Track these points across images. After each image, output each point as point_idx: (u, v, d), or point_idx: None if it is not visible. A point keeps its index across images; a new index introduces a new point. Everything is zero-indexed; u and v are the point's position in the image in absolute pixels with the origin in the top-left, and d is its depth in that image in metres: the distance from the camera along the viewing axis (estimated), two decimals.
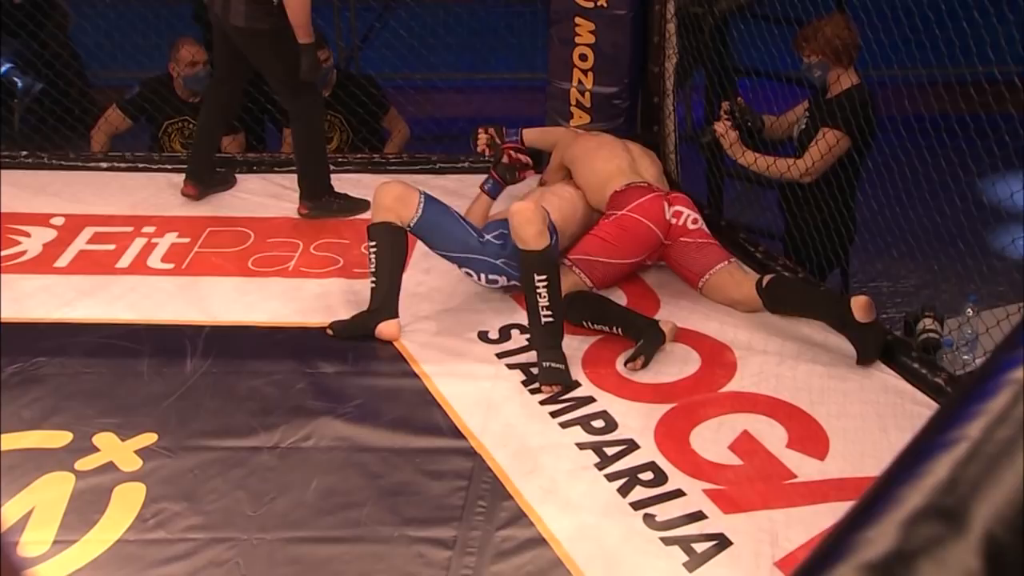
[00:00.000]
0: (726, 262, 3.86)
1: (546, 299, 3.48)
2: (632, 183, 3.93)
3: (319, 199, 4.49)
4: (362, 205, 4.35)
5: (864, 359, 3.46)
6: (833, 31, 3.87)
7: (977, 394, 0.71)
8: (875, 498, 0.69)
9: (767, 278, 3.70)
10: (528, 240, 3.50)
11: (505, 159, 3.98)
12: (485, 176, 4.09)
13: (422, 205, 3.67)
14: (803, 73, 4.05)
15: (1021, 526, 0.65)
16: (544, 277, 3.49)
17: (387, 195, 3.69)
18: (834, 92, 3.96)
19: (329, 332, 3.72)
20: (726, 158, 4.26)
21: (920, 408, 3.32)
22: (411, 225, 3.68)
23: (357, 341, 3.68)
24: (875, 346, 3.47)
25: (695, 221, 3.88)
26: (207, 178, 4.69)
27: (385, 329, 3.67)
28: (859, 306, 3.43)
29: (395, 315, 3.69)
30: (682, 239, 3.85)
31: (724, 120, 4.11)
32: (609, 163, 4.03)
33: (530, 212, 3.55)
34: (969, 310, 3.55)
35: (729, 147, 4.10)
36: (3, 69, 5.34)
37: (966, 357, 3.47)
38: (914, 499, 0.67)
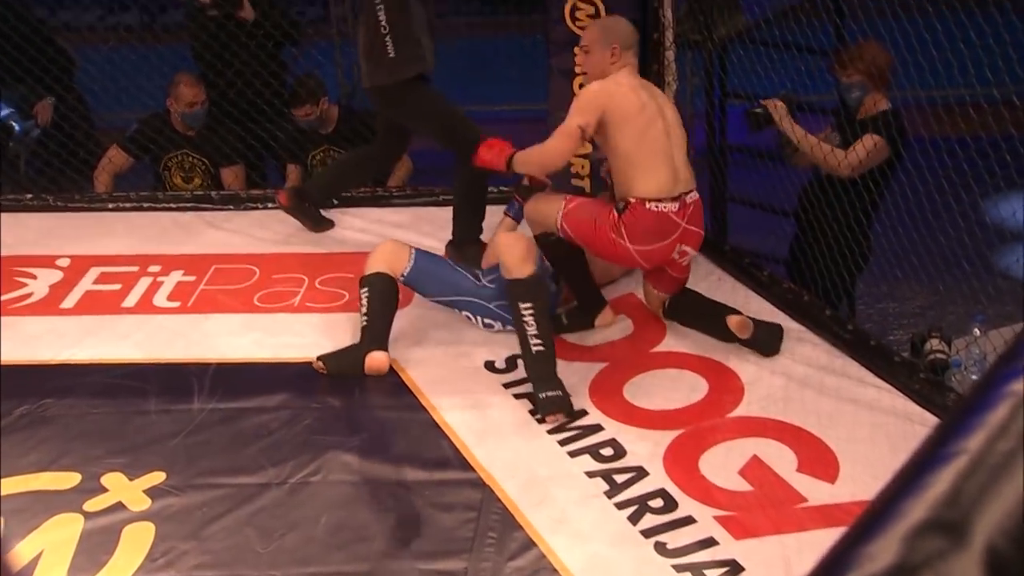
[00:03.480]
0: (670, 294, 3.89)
1: (534, 327, 3.49)
2: (659, 206, 3.55)
3: (461, 248, 4.35)
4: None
5: (767, 354, 3.70)
6: (874, 53, 3.95)
7: (977, 407, 0.71)
8: (877, 512, 0.69)
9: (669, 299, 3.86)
10: (511, 267, 3.54)
11: (525, 180, 3.98)
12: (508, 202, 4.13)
13: (413, 257, 3.80)
14: (840, 92, 4.09)
15: (1023, 538, 0.65)
16: (529, 305, 3.50)
17: (380, 252, 3.84)
18: (867, 113, 4.02)
19: (318, 365, 3.73)
20: (729, 183, 4.27)
21: (929, 429, 3.30)
22: (403, 275, 3.78)
23: (356, 374, 3.68)
24: (769, 347, 3.71)
25: (689, 260, 3.82)
26: (312, 200, 4.63)
27: (374, 361, 3.67)
28: (736, 326, 3.68)
29: (384, 347, 3.71)
30: (666, 269, 3.79)
31: (773, 100, 4.10)
32: (652, 174, 3.57)
33: (511, 239, 3.65)
34: (976, 330, 3.55)
35: (780, 120, 4.06)
36: (2, 114, 5.39)
37: (975, 377, 3.46)
38: (916, 513, 0.67)
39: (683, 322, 3.86)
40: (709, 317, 3.78)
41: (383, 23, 4.09)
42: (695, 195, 3.67)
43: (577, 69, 3.85)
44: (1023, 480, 0.66)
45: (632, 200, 3.55)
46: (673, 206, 3.55)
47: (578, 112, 3.55)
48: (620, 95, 3.56)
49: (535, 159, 3.68)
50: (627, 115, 3.55)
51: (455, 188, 4.46)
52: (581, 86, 3.93)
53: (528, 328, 3.49)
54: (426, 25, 4.20)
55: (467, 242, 4.35)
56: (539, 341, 3.49)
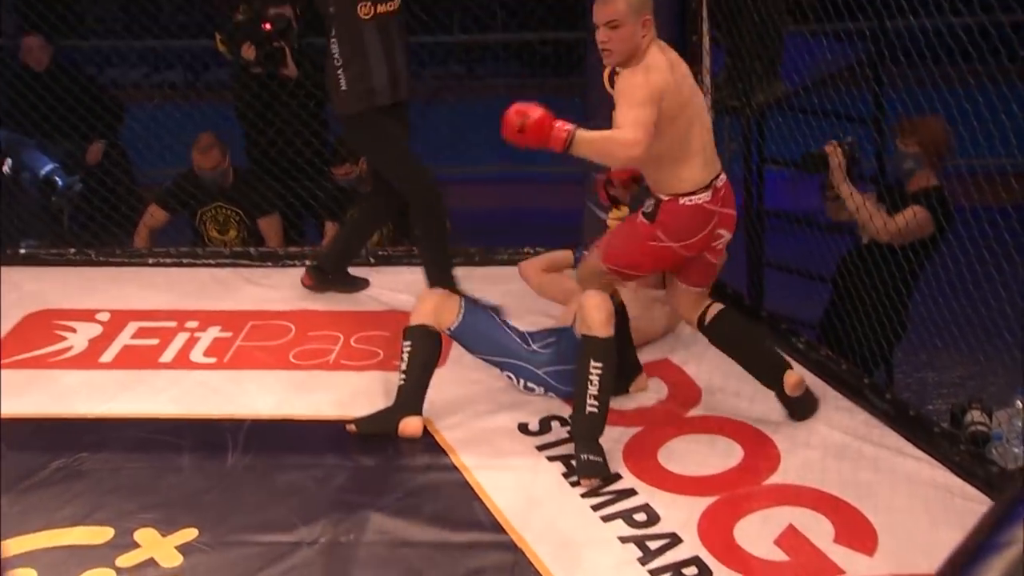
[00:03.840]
0: (704, 288, 3.71)
1: (596, 388, 3.47)
2: (693, 199, 3.43)
3: None
4: None
5: (798, 419, 3.67)
6: (937, 130, 3.94)
7: None
8: None
9: (715, 310, 3.68)
10: (594, 326, 3.51)
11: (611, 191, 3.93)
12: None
13: (462, 312, 3.75)
14: (894, 161, 4.08)
15: None
16: (600, 365, 3.48)
17: (428, 302, 3.77)
18: (917, 186, 4.00)
19: (351, 428, 3.73)
20: (764, 248, 4.26)
21: (970, 503, 3.26)
22: (450, 329, 3.75)
23: (390, 436, 3.68)
24: (806, 413, 3.68)
25: (724, 244, 3.64)
26: (332, 273, 4.65)
27: (408, 426, 3.68)
28: (791, 384, 3.62)
29: (419, 412, 3.71)
30: (704, 255, 3.59)
31: (835, 145, 4.07)
32: (687, 168, 3.42)
33: (601, 299, 3.55)
34: (1019, 402, 3.51)
35: (835, 167, 4.03)
36: (46, 169, 5.50)
37: (1017, 450, 3.42)
38: None
39: (724, 346, 3.72)
40: (761, 357, 3.70)
41: (336, 56, 4.10)
42: (723, 176, 3.53)
43: (603, 47, 3.30)
44: None
45: (664, 198, 3.44)
46: (707, 195, 3.44)
47: (648, 102, 3.20)
48: (675, 83, 3.30)
49: (604, 147, 3.22)
50: (682, 106, 3.34)
51: (417, 238, 4.47)
52: (614, 72, 3.40)
53: (590, 387, 3.47)
54: (395, 53, 4.14)
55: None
56: (596, 403, 3.47)
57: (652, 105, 3.20)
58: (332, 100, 4.23)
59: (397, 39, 4.13)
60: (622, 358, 3.72)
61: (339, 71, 4.10)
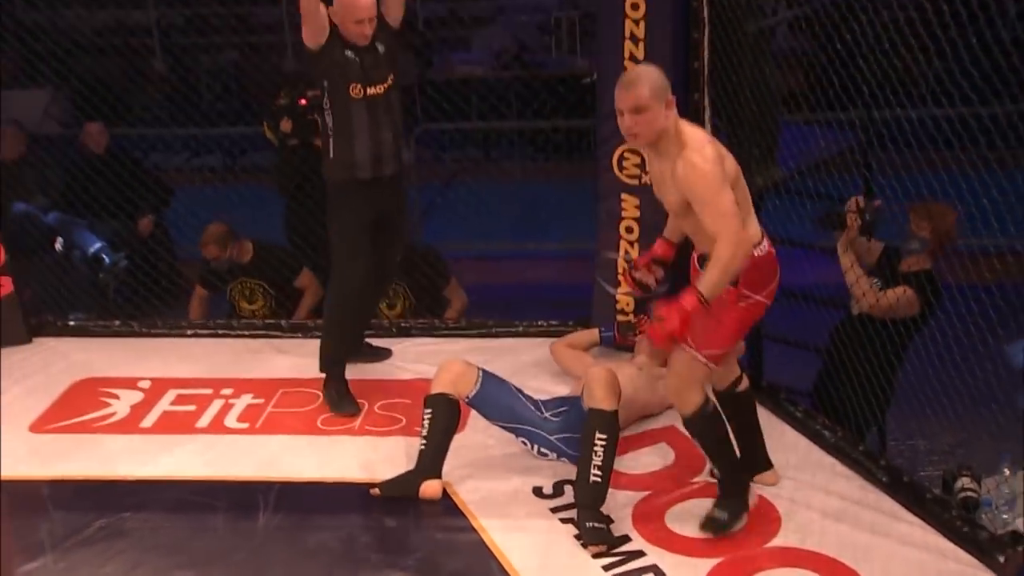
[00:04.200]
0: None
1: (600, 458, 3.47)
2: (760, 249, 3.26)
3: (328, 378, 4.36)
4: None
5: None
6: (950, 222, 3.91)
7: None
8: None
9: (747, 383, 3.58)
10: (600, 399, 3.52)
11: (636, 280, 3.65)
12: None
13: (480, 382, 3.75)
14: (905, 244, 4.01)
15: None
16: (604, 437, 3.48)
17: (448, 371, 3.77)
18: (909, 268, 3.97)
19: (375, 492, 3.72)
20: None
21: (963, 567, 3.24)
22: (469, 397, 3.75)
23: (412, 498, 3.67)
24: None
25: None
26: (358, 353, 4.60)
27: (428, 488, 3.68)
28: (769, 481, 3.65)
29: (439, 475, 3.70)
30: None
31: (854, 211, 4.01)
32: (749, 222, 3.24)
33: (607, 374, 3.58)
34: (1006, 469, 3.49)
35: (845, 233, 3.99)
36: (95, 248, 5.58)
37: (1006, 516, 3.39)
38: None
39: (738, 418, 3.55)
40: (757, 444, 3.66)
41: (329, 125, 4.10)
42: None
43: (629, 132, 3.10)
44: None
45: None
46: (767, 243, 3.29)
47: (720, 187, 3.02)
48: (717, 149, 3.13)
49: (727, 266, 3.03)
50: (730, 167, 3.17)
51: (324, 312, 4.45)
52: (623, 157, 3.37)
53: (595, 458, 3.47)
54: (381, 132, 4.10)
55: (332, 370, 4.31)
56: (599, 473, 3.47)
57: (725, 183, 3.05)
58: (323, 164, 4.23)
59: (385, 118, 4.11)
60: (752, 450, 3.62)
61: (329, 139, 4.13)
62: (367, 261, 4.24)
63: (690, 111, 4.50)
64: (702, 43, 4.31)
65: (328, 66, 4.00)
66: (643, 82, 3.05)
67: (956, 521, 3.40)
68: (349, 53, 3.99)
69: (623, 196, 4.57)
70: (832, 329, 4.28)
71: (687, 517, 3.55)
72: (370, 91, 4.04)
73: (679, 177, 3.06)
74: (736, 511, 3.43)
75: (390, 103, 4.11)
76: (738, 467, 3.47)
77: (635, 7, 4.33)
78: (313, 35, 3.96)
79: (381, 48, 4.06)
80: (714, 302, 3.09)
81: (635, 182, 4.54)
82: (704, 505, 3.61)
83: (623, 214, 4.58)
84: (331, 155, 4.12)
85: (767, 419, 4.13)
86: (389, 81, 4.09)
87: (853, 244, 4.05)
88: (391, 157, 4.15)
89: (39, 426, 4.34)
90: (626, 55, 4.39)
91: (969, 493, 3.45)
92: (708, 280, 3.01)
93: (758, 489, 3.60)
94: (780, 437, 3.97)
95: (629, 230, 4.58)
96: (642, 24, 4.33)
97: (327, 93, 4.06)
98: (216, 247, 5.33)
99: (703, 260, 3.19)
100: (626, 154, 4.51)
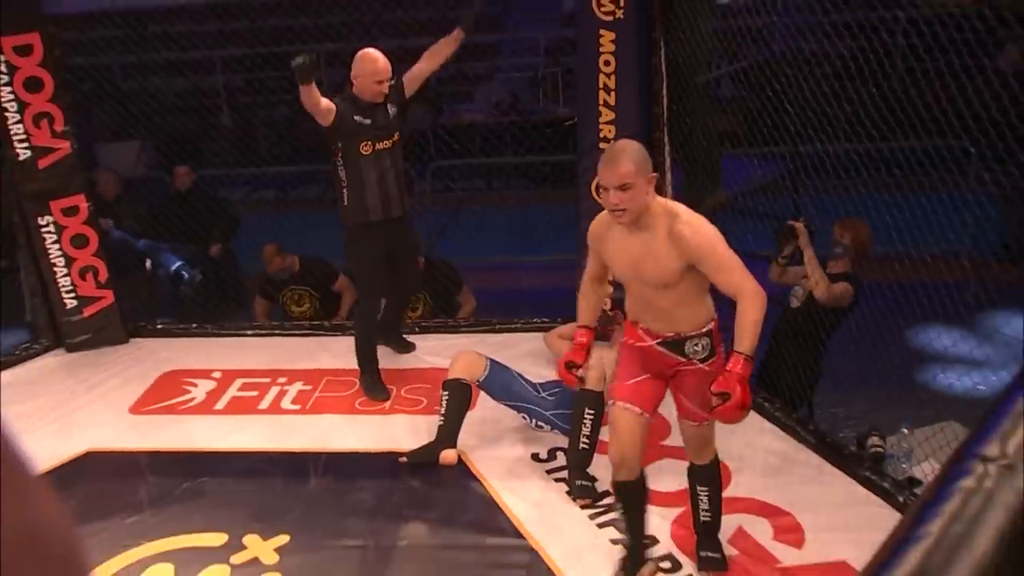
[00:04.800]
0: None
1: (588, 430, 3.49)
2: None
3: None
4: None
5: None
6: (866, 235, 3.88)
7: (936, 499, 0.72)
8: None
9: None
10: (589, 382, 3.47)
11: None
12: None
13: (488, 368, 3.76)
14: (831, 251, 3.94)
15: None
16: (592, 413, 3.49)
17: (461, 360, 3.78)
18: (837, 269, 3.93)
19: (403, 460, 3.74)
20: None
21: (872, 507, 3.28)
22: (479, 381, 3.75)
23: (433, 464, 3.70)
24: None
25: None
26: (389, 341, 4.64)
27: (447, 456, 3.69)
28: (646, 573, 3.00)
29: (455, 445, 3.72)
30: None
31: (800, 221, 3.97)
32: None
33: (595, 361, 3.46)
34: (905, 429, 3.53)
35: (802, 235, 3.91)
36: (176, 266, 5.63)
37: (904, 466, 3.44)
38: None
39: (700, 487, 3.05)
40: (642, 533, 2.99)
41: (342, 177, 3.99)
42: None
43: (615, 208, 2.59)
44: (975, 556, 0.67)
45: (710, 327, 2.75)
46: None
47: (726, 248, 2.61)
48: None
49: (758, 325, 2.57)
50: None
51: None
52: (599, 185, 2.65)
53: (583, 429, 3.48)
54: (388, 180, 4.00)
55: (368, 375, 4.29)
56: (587, 441, 3.49)
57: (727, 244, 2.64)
58: (340, 210, 4.09)
59: (391, 168, 4.00)
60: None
61: (344, 189, 4.00)
62: (381, 294, 4.27)
63: (653, 147, 4.57)
64: (661, 92, 4.37)
65: (341, 135, 3.92)
66: (627, 159, 2.55)
67: (867, 471, 3.46)
68: (358, 118, 3.89)
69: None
70: (773, 322, 4.31)
71: (656, 474, 3.54)
72: (379, 146, 3.96)
73: (684, 243, 2.57)
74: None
75: (395, 155, 4.03)
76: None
77: (607, 63, 4.37)
78: (323, 119, 3.85)
79: (392, 110, 4.00)
80: (716, 365, 2.70)
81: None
82: (670, 464, 3.59)
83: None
84: (346, 203, 4.01)
85: None
86: (395, 137, 4.02)
87: (805, 249, 4.05)
88: (397, 201, 4.08)
89: (136, 408, 4.38)
90: (600, 102, 4.42)
91: (877, 449, 3.49)
92: (749, 339, 2.55)
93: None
94: None
95: None
96: (613, 77, 4.37)
97: (341, 151, 3.97)
98: (279, 259, 5.32)
99: (673, 343, 2.72)
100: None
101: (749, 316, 2.55)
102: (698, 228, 2.60)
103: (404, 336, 4.79)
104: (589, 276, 2.97)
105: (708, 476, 2.99)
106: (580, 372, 2.94)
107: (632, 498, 2.87)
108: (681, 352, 2.74)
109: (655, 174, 2.64)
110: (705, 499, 3.00)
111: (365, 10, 6.34)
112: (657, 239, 2.62)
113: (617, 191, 2.58)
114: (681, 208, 2.67)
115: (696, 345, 2.73)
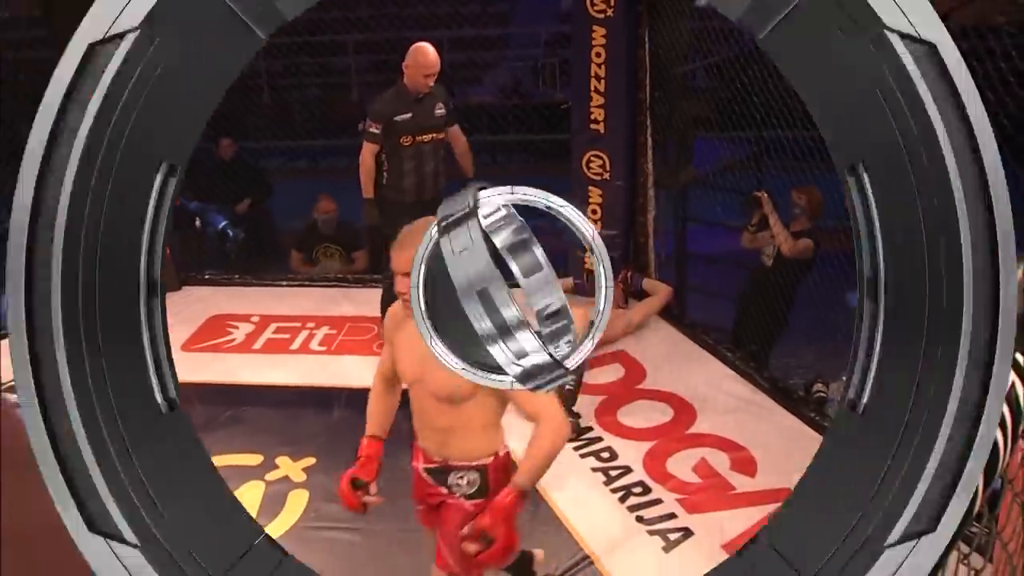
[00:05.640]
0: None
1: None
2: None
3: None
4: None
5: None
6: (818, 198, 3.86)
7: None
8: None
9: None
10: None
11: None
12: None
13: None
14: (790, 212, 3.92)
15: None
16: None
17: None
18: (797, 227, 3.90)
19: None
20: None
21: (815, 443, 3.24)
22: None
23: None
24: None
25: None
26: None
27: None
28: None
29: None
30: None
31: (763, 192, 3.99)
32: None
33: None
34: (844, 377, 3.52)
35: (766, 204, 3.92)
36: (221, 225, 5.59)
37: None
38: None
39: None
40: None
41: (384, 162, 3.89)
42: None
43: (400, 294, 1.90)
44: None
45: (489, 460, 2.08)
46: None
47: None
48: None
49: (548, 458, 1.91)
50: None
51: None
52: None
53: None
54: (424, 168, 3.88)
55: None
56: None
57: None
58: (378, 188, 3.96)
59: (431, 159, 3.88)
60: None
61: (384, 172, 3.90)
62: None
63: (636, 129, 4.52)
64: (645, 81, 4.35)
65: (385, 131, 3.84)
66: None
67: (812, 413, 3.47)
68: (400, 117, 3.78)
69: (589, 188, 4.57)
70: (740, 286, 4.28)
71: (631, 412, 3.59)
72: (419, 138, 3.86)
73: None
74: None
75: (435, 147, 3.92)
76: None
77: (598, 55, 4.32)
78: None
79: (440, 111, 3.88)
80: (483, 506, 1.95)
81: (598, 178, 4.55)
82: (645, 405, 3.62)
83: (589, 201, 4.59)
84: (384, 181, 3.92)
85: (690, 346, 4.17)
86: (439, 135, 3.88)
87: (770, 213, 3.99)
88: (432, 185, 3.97)
89: (187, 346, 4.38)
90: (592, 89, 4.38)
91: (821, 394, 3.51)
92: (530, 471, 1.87)
93: (683, 395, 3.64)
94: (697, 358, 4.00)
95: (594, 212, 4.59)
96: (603, 67, 4.33)
97: (384, 140, 3.87)
98: (332, 204, 5.22)
99: (439, 471, 2.06)
100: (591, 158, 4.51)
101: (542, 445, 1.86)
102: None
103: None
104: (380, 374, 2.18)
105: None
106: (368, 497, 2.13)
107: None
108: (444, 483, 2.06)
109: None
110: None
111: (390, 4, 6.21)
112: None
113: (403, 277, 1.82)
114: None
115: (461, 479, 2.04)
